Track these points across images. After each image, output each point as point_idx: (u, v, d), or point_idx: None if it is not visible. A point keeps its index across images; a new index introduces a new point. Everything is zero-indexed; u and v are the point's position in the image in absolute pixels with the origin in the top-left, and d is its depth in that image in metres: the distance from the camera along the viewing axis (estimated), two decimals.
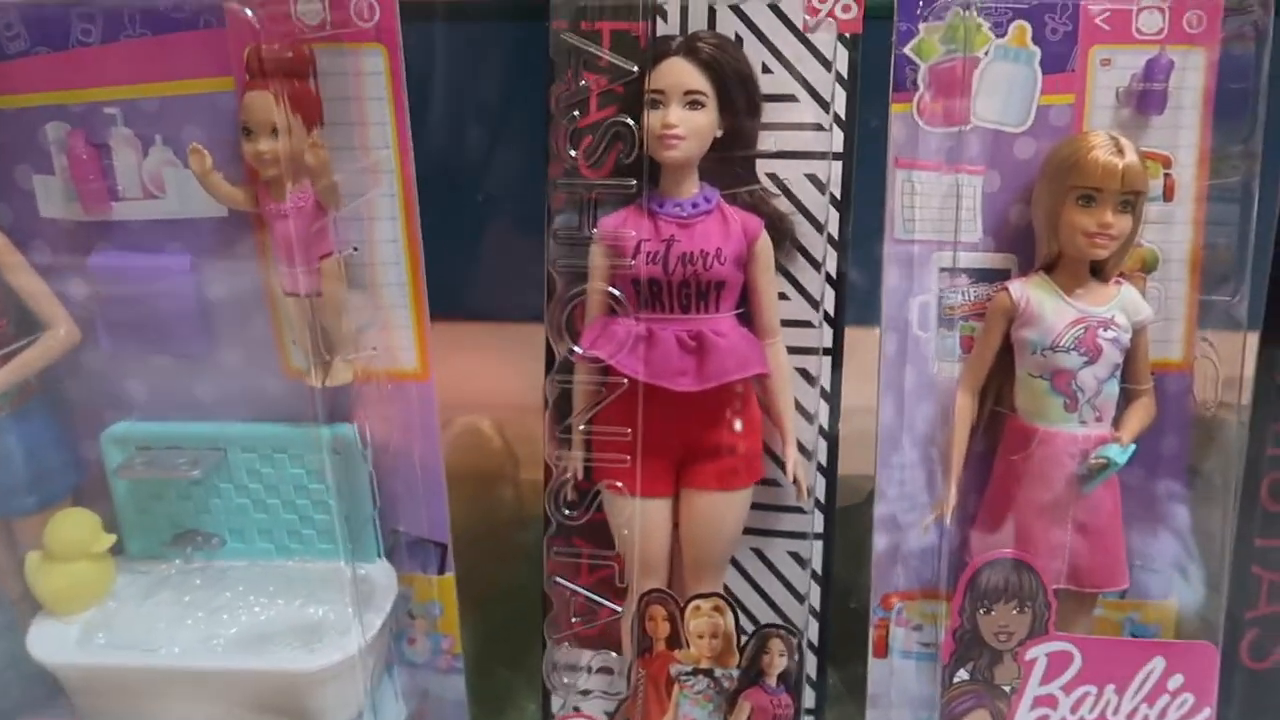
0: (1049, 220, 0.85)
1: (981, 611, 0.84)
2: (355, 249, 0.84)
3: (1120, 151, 0.81)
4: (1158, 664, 0.82)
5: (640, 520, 0.89)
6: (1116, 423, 0.85)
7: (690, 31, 0.84)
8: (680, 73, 0.82)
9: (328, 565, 0.90)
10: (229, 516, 0.92)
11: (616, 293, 0.84)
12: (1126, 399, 0.88)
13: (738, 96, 0.84)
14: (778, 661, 0.86)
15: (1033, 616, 0.83)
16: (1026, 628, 0.83)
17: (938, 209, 0.88)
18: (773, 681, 0.86)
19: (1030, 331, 0.85)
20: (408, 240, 0.85)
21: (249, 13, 0.79)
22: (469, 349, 1.05)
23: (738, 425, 0.86)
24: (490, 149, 0.97)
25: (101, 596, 0.89)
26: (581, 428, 0.86)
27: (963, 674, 0.84)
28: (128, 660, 0.82)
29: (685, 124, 0.82)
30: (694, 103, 0.83)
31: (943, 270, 0.88)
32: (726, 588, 0.92)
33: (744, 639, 0.87)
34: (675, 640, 0.87)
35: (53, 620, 0.87)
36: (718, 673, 0.86)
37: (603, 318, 0.86)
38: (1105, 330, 0.84)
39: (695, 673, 0.86)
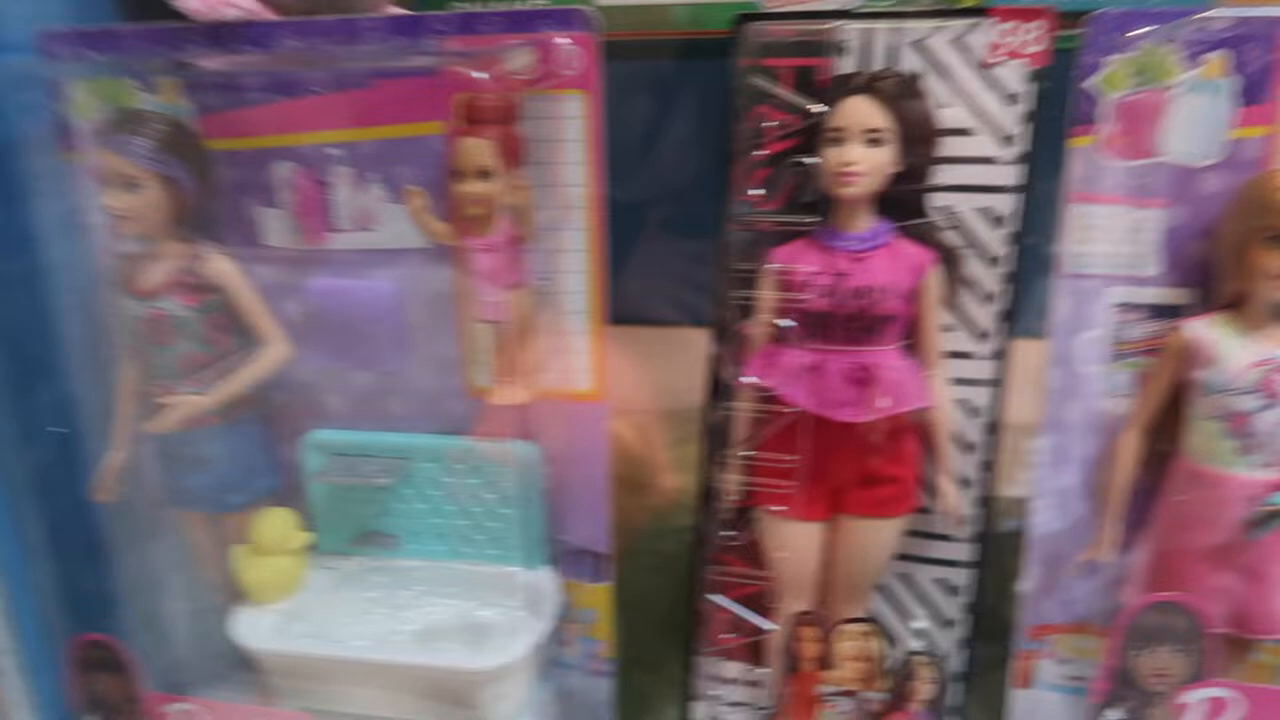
0: (1235, 259, 0.72)
1: (1137, 652, 0.72)
2: (545, 280, 0.78)
3: None
4: None
5: (793, 543, 0.81)
6: None
7: (873, 69, 0.76)
8: (861, 111, 0.73)
9: (497, 570, 0.85)
10: (410, 520, 0.87)
11: (787, 323, 0.76)
12: None
13: (917, 135, 0.75)
14: (924, 688, 0.77)
15: (1191, 660, 0.72)
16: (1184, 671, 0.72)
17: (1114, 243, 0.76)
18: (918, 707, 0.77)
19: (1206, 372, 0.73)
20: (593, 272, 0.78)
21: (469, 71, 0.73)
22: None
23: (897, 455, 0.77)
24: (675, 182, 0.90)
25: (296, 589, 0.86)
26: (746, 453, 0.79)
27: (1114, 714, 0.73)
28: (319, 649, 0.80)
29: (865, 161, 0.73)
30: (874, 140, 0.73)
31: (1115, 305, 0.77)
32: (876, 613, 0.85)
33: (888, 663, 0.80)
34: (823, 661, 0.79)
35: (253, 608, 0.85)
36: (863, 695, 0.78)
37: (770, 346, 0.78)
38: None
39: (840, 694, 0.78)
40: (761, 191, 0.80)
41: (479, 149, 0.74)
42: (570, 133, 0.76)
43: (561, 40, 0.73)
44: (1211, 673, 0.73)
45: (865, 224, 0.77)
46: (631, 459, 1.08)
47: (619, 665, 0.94)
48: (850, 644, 0.79)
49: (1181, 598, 0.73)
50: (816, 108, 0.75)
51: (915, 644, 0.82)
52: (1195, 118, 0.76)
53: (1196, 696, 0.73)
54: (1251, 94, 0.75)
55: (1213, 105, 0.76)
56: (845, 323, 0.75)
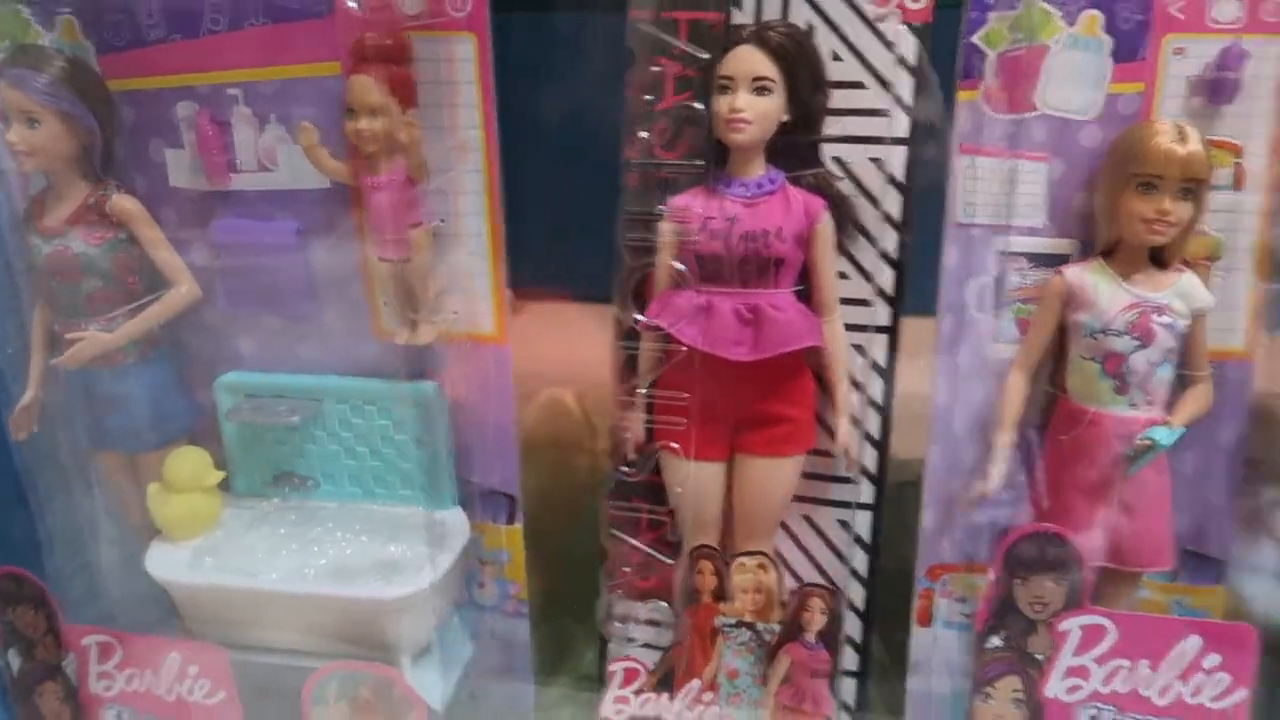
0: (1109, 206, 0.75)
1: (1018, 581, 0.74)
2: (442, 220, 0.80)
3: (1183, 139, 0.71)
4: (1194, 642, 0.72)
5: (695, 481, 0.82)
6: (1171, 407, 0.76)
7: (762, 20, 0.78)
8: (749, 60, 0.76)
9: (408, 510, 0.87)
10: (323, 461, 0.89)
11: (680, 266, 0.78)
12: (1183, 385, 0.77)
13: (805, 84, 0.77)
14: (817, 619, 0.79)
15: (1069, 589, 0.74)
16: (1062, 599, 0.74)
17: (1000, 194, 0.78)
18: (812, 637, 0.79)
19: (1084, 315, 0.75)
20: (490, 214, 0.80)
21: (354, 4, 0.75)
22: (559, 325, 1.07)
23: (791, 396, 0.80)
24: (572, 132, 0.89)
25: (210, 526, 0.88)
26: (643, 392, 0.81)
27: (996, 640, 0.75)
28: (230, 581, 0.82)
29: (752, 109, 0.75)
30: (761, 89, 0.75)
31: (1002, 253, 0.79)
32: (777, 550, 0.85)
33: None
34: (721, 594, 0.81)
35: (168, 544, 0.87)
36: (760, 626, 0.80)
37: (669, 290, 0.80)
38: (1160, 315, 0.74)
39: (738, 625, 0.80)
40: (656, 139, 0.84)
41: (369, 86, 0.76)
42: (463, 75, 0.78)
43: None
44: (1088, 601, 0.76)
45: (757, 171, 0.79)
46: (572, 423, 1.11)
47: (548, 613, 0.97)
48: (745, 577, 0.81)
49: (1058, 528, 0.76)
50: (703, 56, 0.78)
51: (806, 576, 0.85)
52: (1073, 73, 0.79)
53: (1073, 623, 0.75)
54: (1126, 51, 0.78)
55: (1090, 61, 0.80)
56: (736, 265, 0.78)
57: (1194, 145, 0.72)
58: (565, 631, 0.97)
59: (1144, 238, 0.74)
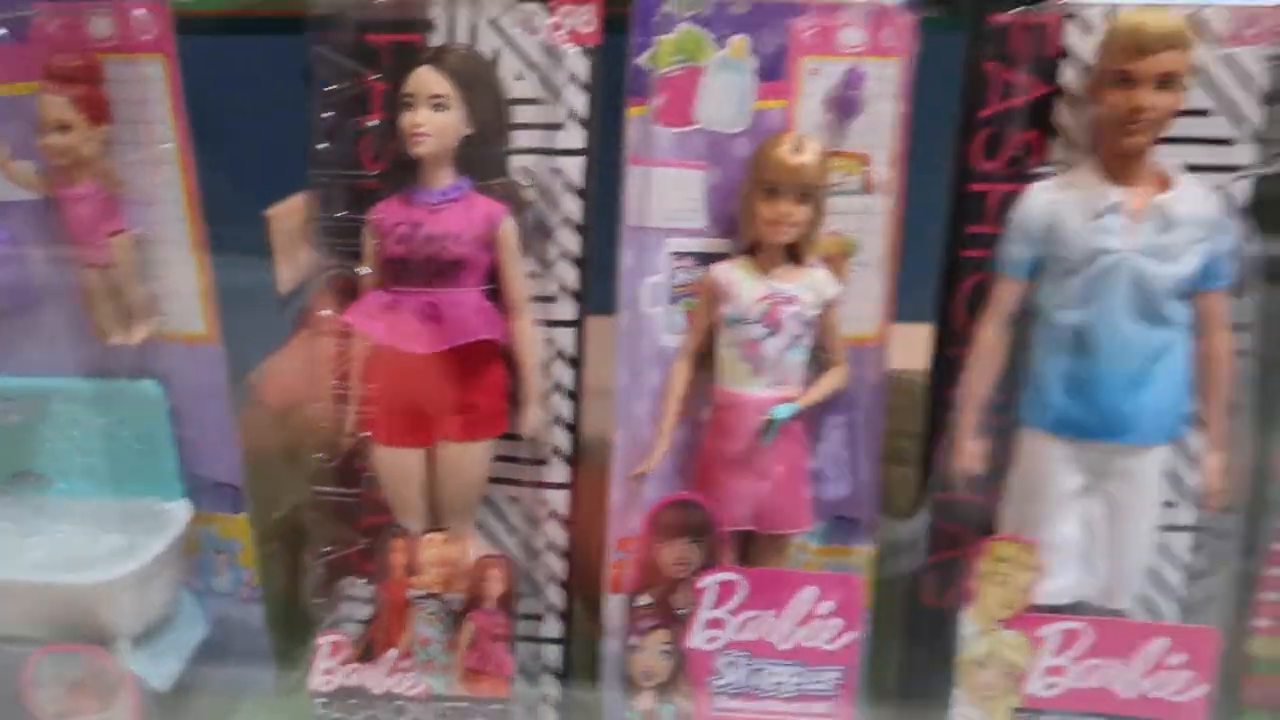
0: (746, 210, 0.84)
1: (661, 544, 0.83)
2: (140, 230, 0.87)
3: (799, 150, 0.81)
4: (810, 592, 0.81)
5: (394, 466, 0.89)
6: (808, 385, 0.85)
7: (444, 43, 0.86)
8: (427, 79, 0.83)
9: (135, 502, 0.92)
10: (55, 459, 0.93)
11: (365, 270, 0.86)
12: (822, 367, 0.87)
13: (481, 100, 0.85)
14: (495, 587, 0.86)
15: (705, 550, 0.83)
16: (700, 559, 0.83)
17: (667, 200, 0.87)
18: (492, 604, 0.86)
19: (727, 306, 0.85)
20: (190, 221, 0.87)
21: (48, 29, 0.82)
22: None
23: (480, 385, 0.87)
24: (265, 144, 1.02)
25: None
26: (341, 384, 0.89)
27: (645, 599, 0.83)
28: None
29: (430, 123, 0.83)
30: (439, 105, 0.83)
31: (672, 254, 0.88)
32: (482, 526, 0.93)
33: None
34: (411, 568, 0.87)
35: None
36: (447, 597, 0.86)
37: (367, 291, 0.87)
38: (789, 305, 0.83)
39: (427, 597, 0.86)
40: (364, 152, 0.90)
41: (57, 104, 0.83)
42: (153, 93, 0.85)
43: (137, 10, 0.83)
44: (723, 561, 0.86)
45: (443, 181, 0.87)
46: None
47: (285, 597, 1.02)
48: (433, 551, 0.88)
49: (696, 496, 0.86)
50: (374, 77, 0.86)
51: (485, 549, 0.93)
52: (725, 92, 0.89)
53: (709, 580, 0.85)
54: (770, 72, 0.88)
55: (738, 81, 0.90)
56: (420, 266, 0.86)
57: (808, 156, 0.82)
58: (300, 614, 1.03)
59: (771, 237, 0.85)
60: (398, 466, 0.90)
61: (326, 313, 0.88)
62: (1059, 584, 0.85)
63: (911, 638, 0.93)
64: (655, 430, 0.90)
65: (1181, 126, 0.82)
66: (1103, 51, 0.79)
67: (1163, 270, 0.78)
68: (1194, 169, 0.83)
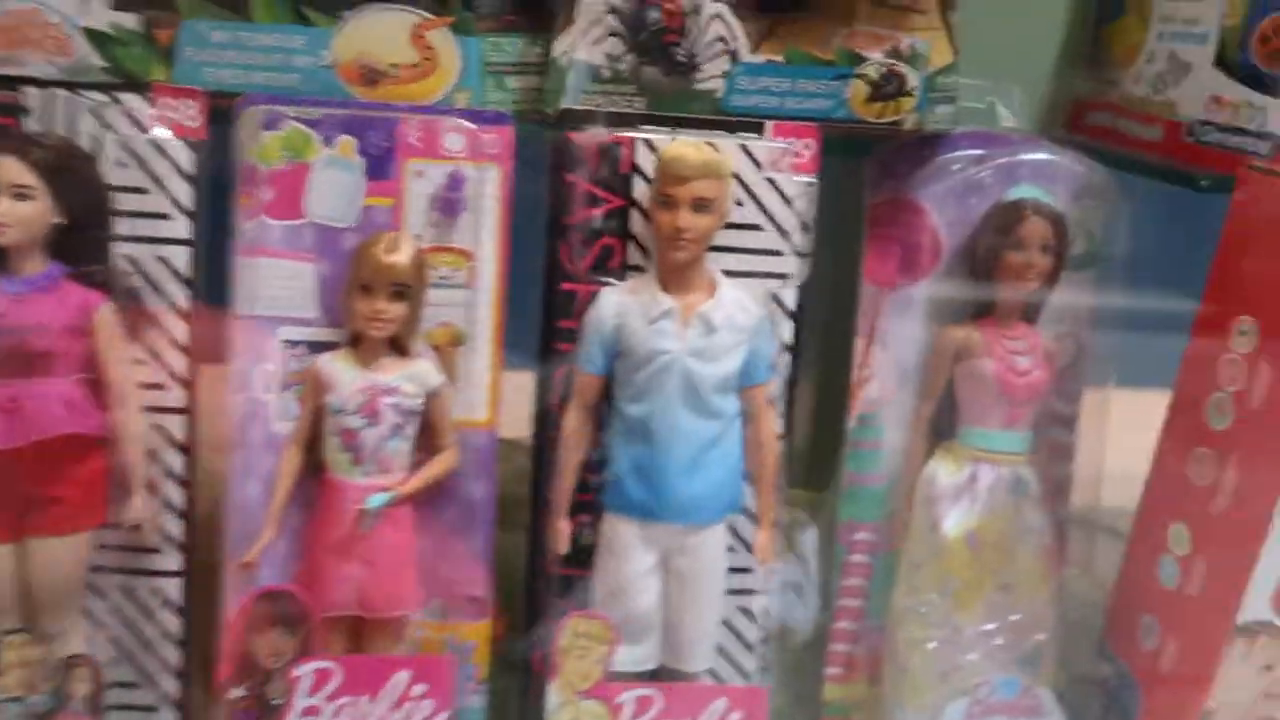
0: (346, 305, 0.88)
1: (255, 635, 0.85)
2: None
3: (393, 250, 0.86)
4: (403, 676, 0.86)
5: None
6: (412, 471, 0.90)
7: (30, 133, 0.86)
8: (7, 169, 0.82)
9: None
10: None
11: None
12: (432, 453, 0.92)
13: (72, 189, 0.85)
14: (81, 687, 0.85)
15: (299, 639, 0.86)
16: (294, 649, 0.86)
17: (278, 290, 0.90)
18: (79, 705, 0.85)
19: (329, 396, 0.88)
20: None
21: None
22: None
23: (72, 478, 0.85)
24: None
25: None
26: None
27: (238, 691, 0.85)
28: None
29: (10, 214, 0.82)
30: (20, 195, 0.82)
31: (284, 342, 0.90)
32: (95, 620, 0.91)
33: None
34: None
35: None
36: (30, 700, 0.85)
37: None
38: (388, 396, 0.88)
39: (8, 700, 0.84)
40: None
41: None
42: None
43: None
44: (319, 649, 0.89)
45: (31, 268, 0.85)
46: None
47: None
48: (12, 654, 0.87)
49: (286, 587, 0.89)
50: None
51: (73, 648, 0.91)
52: (333, 188, 0.93)
53: (304, 669, 0.88)
54: (378, 171, 0.92)
55: (347, 179, 0.94)
56: (2, 360, 0.85)
57: (401, 255, 0.87)
58: None
59: (368, 331, 0.88)
60: None
61: None
62: (638, 653, 0.94)
63: (527, 709, 0.99)
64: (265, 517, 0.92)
65: (738, 238, 0.93)
66: (654, 177, 0.90)
67: (707, 370, 0.88)
68: (752, 276, 0.93)
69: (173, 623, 0.94)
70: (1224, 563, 0.93)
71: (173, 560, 0.94)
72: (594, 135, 0.92)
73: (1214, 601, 0.93)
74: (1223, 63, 1.01)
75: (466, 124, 0.92)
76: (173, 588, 0.94)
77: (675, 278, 0.90)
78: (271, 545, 0.91)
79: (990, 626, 0.99)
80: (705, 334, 0.89)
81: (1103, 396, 1.11)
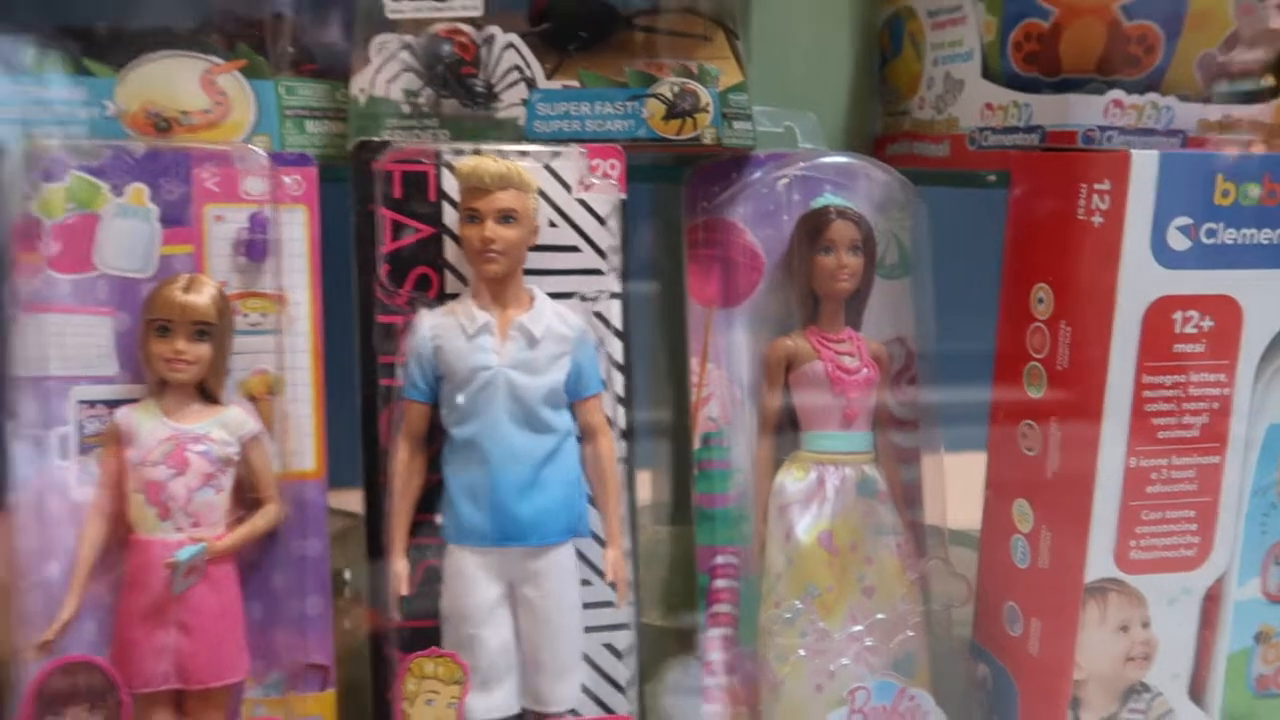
0: (144, 350, 0.87)
1: (53, 717, 0.80)
2: None
3: (189, 289, 0.86)
4: None
5: None
6: (231, 526, 0.87)
7: None
8: None
9: None
10: None
11: None
12: (253, 505, 0.90)
13: None
14: None
15: (106, 715, 0.81)
16: None
17: (71, 347, 0.87)
18: None
19: (131, 450, 0.86)
20: None
21: None
22: None
23: None
24: None
25: None
26: None
27: None
28: None
29: None
30: None
31: (81, 402, 0.88)
32: None
33: None
34: None
35: None
36: None
37: None
38: (196, 444, 0.86)
39: None
40: None
41: None
42: None
43: None
44: None
45: None
46: None
47: None
48: None
49: (88, 657, 0.83)
50: None
51: None
52: (126, 238, 0.92)
53: None
54: (175, 218, 0.93)
55: (140, 228, 0.93)
56: None
57: (197, 295, 0.86)
58: None
59: (171, 375, 0.87)
60: None
61: None
62: (493, 699, 0.90)
63: None
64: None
65: (556, 260, 0.96)
66: (459, 194, 0.93)
67: (532, 382, 0.90)
68: (577, 296, 0.96)
69: None
70: (1064, 527, 0.97)
71: None
72: (397, 162, 0.95)
73: (1063, 569, 0.97)
74: (988, 74, 1.14)
75: (265, 167, 0.93)
76: None
77: (491, 294, 0.91)
78: (78, 625, 0.86)
79: (857, 629, 1.00)
80: (527, 345, 0.90)
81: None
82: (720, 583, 1.06)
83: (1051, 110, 1.04)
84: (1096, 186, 0.93)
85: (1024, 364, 1.01)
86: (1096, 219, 0.93)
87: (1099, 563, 0.96)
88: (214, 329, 0.87)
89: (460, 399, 0.89)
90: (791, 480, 1.04)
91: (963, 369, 1.15)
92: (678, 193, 1.12)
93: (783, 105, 1.16)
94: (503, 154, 0.92)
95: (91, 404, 0.90)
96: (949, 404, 1.12)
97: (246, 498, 0.91)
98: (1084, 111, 1.02)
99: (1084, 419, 0.94)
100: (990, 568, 1.08)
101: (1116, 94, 1.01)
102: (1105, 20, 1.02)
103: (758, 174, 1.09)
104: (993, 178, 1.12)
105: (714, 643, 1.05)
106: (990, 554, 1.07)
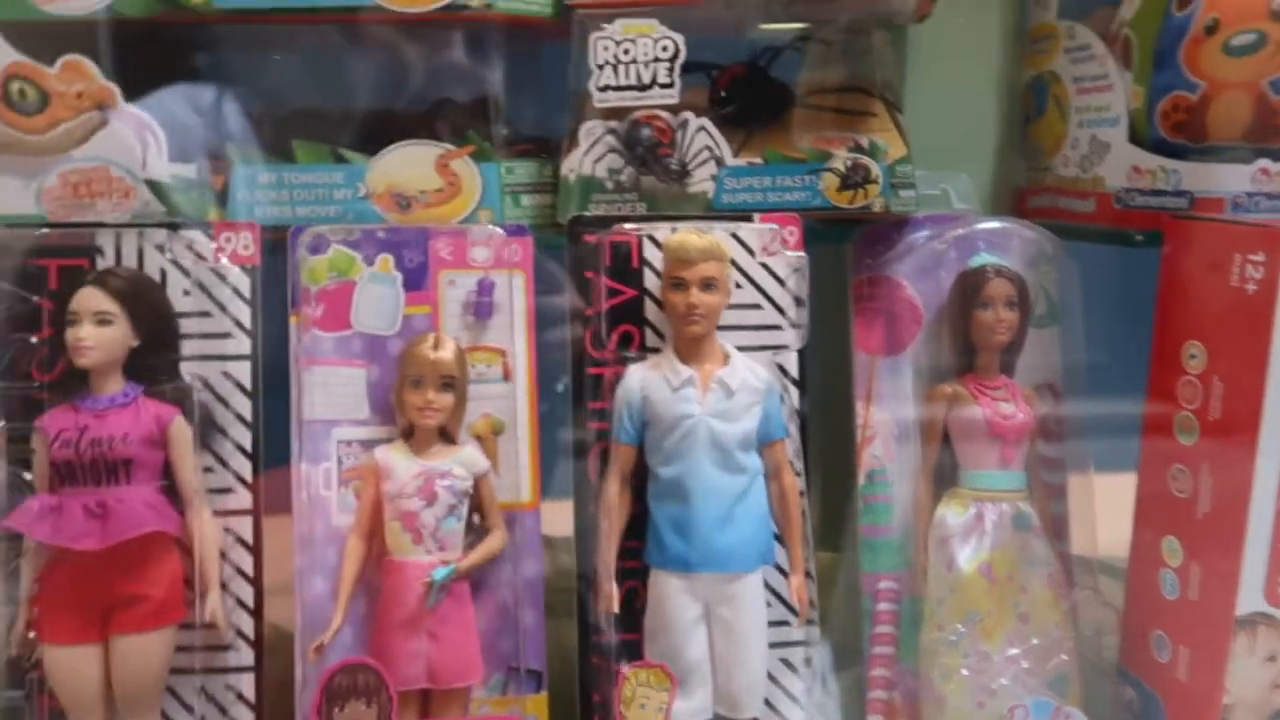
0: (398, 399, 1.02)
1: (336, 709, 0.94)
2: None
3: (438, 347, 1.01)
4: None
5: (68, 665, 0.95)
6: (467, 550, 1.01)
7: (109, 267, 1.02)
8: (91, 298, 0.97)
9: None
10: None
11: (28, 476, 0.96)
12: (481, 535, 1.03)
13: (144, 315, 0.99)
14: None
15: (378, 710, 0.95)
16: (373, 718, 0.94)
17: (333, 395, 1.04)
18: None
19: (387, 484, 1.00)
20: None
21: None
22: None
23: (151, 577, 0.96)
24: None
25: None
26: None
27: None
28: None
29: (93, 338, 0.96)
30: (102, 320, 0.97)
31: (340, 441, 1.04)
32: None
33: None
34: None
35: None
36: None
37: (31, 498, 0.96)
38: (441, 480, 1.00)
39: None
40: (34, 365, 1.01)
41: None
42: None
43: None
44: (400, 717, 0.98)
45: (111, 387, 0.99)
46: None
47: None
48: None
49: (365, 660, 0.98)
50: (38, 299, 0.99)
51: None
52: (376, 301, 1.08)
53: None
54: (415, 283, 1.08)
55: (387, 292, 1.09)
56: (87, 469, 0.96)
57: (444, 351, 1.01)
58: None
59: (420, 421, 1.02)
60: (72, 665, 0.95)
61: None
62: (693, 704, 1.03)
63: None
64: (333, 605, 1.01)
65: (741, 317, 1.08)
66: (664, 264, 1.06)
67: (729, 429, 1.02)
68: (758, 349, 1.08)
69: (246, 716, 1.02)
70: (1215, 564, 1.06)
71: (244, 656, 1.03)
72: (606, 236, 1.09)
73: (1213, 602, 1.05)
74: (1135, 138, 1.22)
75: (490, 237, 1.08)
76: (245, 683, 1.03)
77: (692, 350, 1.04)
78: (338, 633, 1.01)
79: (1014, 651, 1.10)
80: (724, 397, 1.03)
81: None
82: (883, 605, 1.17)
83: (1200, 177, 1.12)
84: (1250, 257, 1.01)
85: (1175, 412, 1.09)
86: (1250, 286, 1.01)
87: (1249, 597, 1.03)
88: (456, 381, 1.02)
89: (666, 443, 1.02)
90: (952, 514, 1.14)
91: (1106, 411, 1.24)
92: (843, 251, 1.24)
93: (933, 162, 1.27)
94: (702, 228, 1.06)
95: (349, 443, 1.06)
96: (1097, 446, 1.22)
97: (476, 525, 1.07)
98: (1232, 179, 1.11)
99: (1236, 466, 1.03)
100: (1138, 598, 1.17)
101: (1264, 162, 1.10)
102: (1252, 94, 1.11)
103: (918, 234, 1.21)
104: (1141, 237, 1.19)
105: (877, 659, 1.17)
106: (1139, 585, 1.16)
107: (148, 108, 1.10)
